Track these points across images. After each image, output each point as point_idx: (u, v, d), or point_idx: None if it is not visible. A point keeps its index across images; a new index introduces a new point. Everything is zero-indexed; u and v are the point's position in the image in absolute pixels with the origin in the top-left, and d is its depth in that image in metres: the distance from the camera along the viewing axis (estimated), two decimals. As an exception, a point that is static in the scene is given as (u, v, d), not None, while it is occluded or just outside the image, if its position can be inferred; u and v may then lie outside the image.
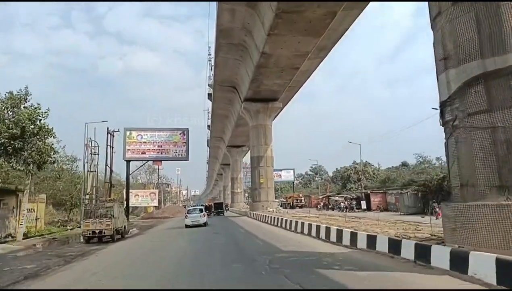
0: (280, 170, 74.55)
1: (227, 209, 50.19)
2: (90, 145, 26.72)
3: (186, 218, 22.84)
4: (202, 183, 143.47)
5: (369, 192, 39.30)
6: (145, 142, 39.95)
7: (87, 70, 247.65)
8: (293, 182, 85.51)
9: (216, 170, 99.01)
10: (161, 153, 40.40)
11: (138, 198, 45.39)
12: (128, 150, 38.91)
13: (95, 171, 27.08)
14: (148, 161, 42.63)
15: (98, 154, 27.49)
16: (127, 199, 37.02)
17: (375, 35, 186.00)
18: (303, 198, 56.44)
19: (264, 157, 33.98)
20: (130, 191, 40.80)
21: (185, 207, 54.94)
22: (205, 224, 22.10)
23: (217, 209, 41.28)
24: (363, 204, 35.73)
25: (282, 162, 74.86)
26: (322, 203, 47.05)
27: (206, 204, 53.21)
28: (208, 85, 46.70)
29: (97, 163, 27.54)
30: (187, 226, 21.65)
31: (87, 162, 26.58)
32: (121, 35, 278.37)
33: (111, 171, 31.44)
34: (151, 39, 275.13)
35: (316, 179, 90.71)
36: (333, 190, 64.07)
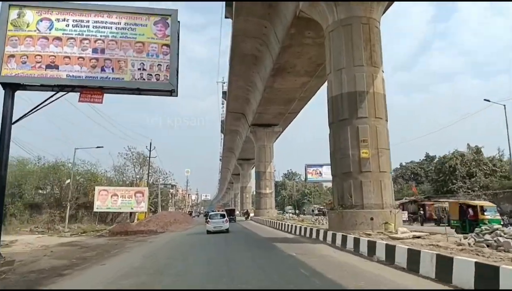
0: (321, 166, 53.41)
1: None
2: None
3: (207, 223, 22.96)
4: (213, 188, 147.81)
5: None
6: (58, 38, 12.30)
7: None
8: None
9: (228, 179, 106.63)
10: (105, 68, 12.33)
11: (116, 200, 32.79)
12: (12, 56, 11.86)
13: None
14: (64, 88, 12.09)
15: None
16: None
17: (391, 42, 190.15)
18: None
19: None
20: (103, 189, 33.30)
21: (191, 214, 60.21)
22: (227, 230, 22.01)
23: (229, 215, 47.17)
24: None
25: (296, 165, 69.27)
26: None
27: (217, 209, 57.84)
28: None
29: None
30: (208, 232, 21.56)
31: None
32: None
33: None
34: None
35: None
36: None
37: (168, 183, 50.00)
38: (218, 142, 69.50)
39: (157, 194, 65.48)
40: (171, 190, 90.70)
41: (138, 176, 45.75)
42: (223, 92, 49.83)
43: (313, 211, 58.15)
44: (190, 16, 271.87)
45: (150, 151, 41.30)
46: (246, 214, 61.47)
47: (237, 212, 78.29)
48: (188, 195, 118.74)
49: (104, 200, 35.89)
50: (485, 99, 26.07)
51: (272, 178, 41.85)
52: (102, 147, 25.45)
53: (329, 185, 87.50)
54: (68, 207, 24.23)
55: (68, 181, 25.04)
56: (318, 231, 15.72)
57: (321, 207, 63.62)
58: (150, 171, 46.59)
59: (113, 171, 44.38)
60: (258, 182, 41.65)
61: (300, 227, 19.24)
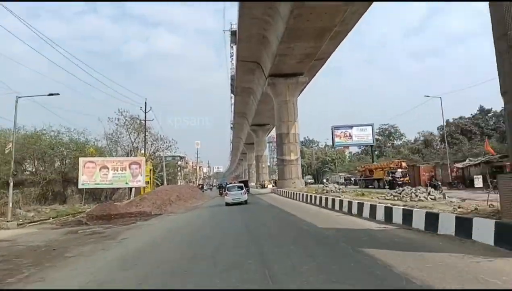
0: (350, 127, 46.99)
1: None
2: None
3: (226, 195, 22.50)
4: (225, 161, 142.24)
5: None
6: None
7: (111, 54, 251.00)
8: (372, 146, 51.45)
9: (240, 149, 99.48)
10: None
11: (106, 173, 27.17)
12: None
13: None
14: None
15: None
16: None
17: (401, 5, 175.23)
18: (405, 170, 31.35)
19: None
20: (89, 160, 28.01)
21: (201, 188, 53.66)
22: (246, 202, 21.75)
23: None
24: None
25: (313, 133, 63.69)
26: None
27: (230, 181, 52.34)
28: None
29: None
30: (227, 204, 21.28)
31: None
32: (146, 17, 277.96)
33: None
34: (173, 21, 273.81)
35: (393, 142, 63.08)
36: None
37: (174, 153, 42.27)
38: (228, 116, 61.57)
39: (163, 167, 59.06)
40: (180, 162, 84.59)
41: (135, 145, 38.21)
42: (231, 32, 40.54)
43: (341, 181, 50.51)
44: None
45: (145, 112, 33.51)
46: (261, 185, 54.69)
47: (252, 184, 72.00)
48: (200, 167, 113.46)
49: (91, 174, 29.19)
50: None
51: (297, 140, 33.74)
52: (58, 94, 17.39)
53: (354, 150, 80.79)
54: (11, 184, 16.67)
55: (9, 146, 17.38)
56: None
57: (349, 175, 56.35)
58: (150, 139, 39.00)
59: (105, 139, 36.93)
60: (280, 146, 33.69)
61: (391, 209, 10.19)
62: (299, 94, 34.64)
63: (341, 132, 47.27)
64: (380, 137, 65.99)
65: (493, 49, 7.52)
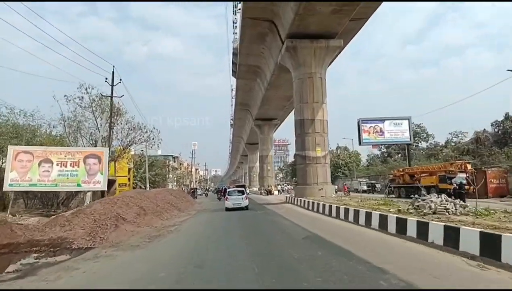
0: (381, 121, 36.43)
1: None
2: None
3: (226, 200, 20.99)
4: (224, 164, 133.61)
5: None
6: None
7: (112, 56, 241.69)
8: (409, 144, 40.51)
9: (240, 151, 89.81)
10: None
11: (49, 169, 18.95)
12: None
13: None
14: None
15: None
16: None
17: (400, 17, 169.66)
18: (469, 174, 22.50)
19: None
20: (23, 150, 19.12)
21: (194, 193, 43.87)
22: (246, 208, 20.23)
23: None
24: None
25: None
26: None
27: (229, 186, 43.24)
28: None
29: None
30: (227, 209, 19.83)
31: None
32: (146, 21, 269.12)
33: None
34: (174, 24, 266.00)
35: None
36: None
37: (154, 147, 31.58)
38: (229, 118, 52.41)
39: (149, 166, 48.96)
40: (172, 162, 74.33)
41: (105, 134, 27.83)
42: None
43: (363, 187, 40.90)
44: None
45: (112, 85, 23.53)
46: (267, 191, 45.03)
47: (255, 189, 62.45)
48: (196, 169, 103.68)
49: (25, 170, 20.07)
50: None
51: (326, 130, 23.83)
52: None
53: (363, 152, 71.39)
54: None
55: None
56: None
57: (372, 181, 46.56)
58: (125, 127, 28.68)
59: (62, 125, 26.75)
60: (301, 138, 23.82)
61: None
62: (328, 66, 24.96)
63: (370, 127, 37.22)
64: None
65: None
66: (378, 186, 42.86)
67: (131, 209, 13.93)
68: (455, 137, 54.08)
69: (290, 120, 44.95)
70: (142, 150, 40.97)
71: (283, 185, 61.38)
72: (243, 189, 23.41)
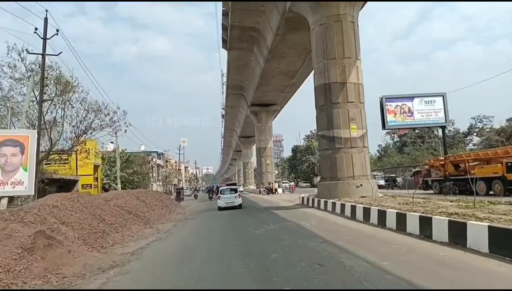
0: (410, 99, 29.29)
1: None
2: None
3: (219, 199, 20.12)
4: (216, 162, 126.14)
5: None
6: None
7: (101, 55, 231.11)
8: (444, 128, 31.93)
9: (233, 146, 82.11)
10: None
11: None
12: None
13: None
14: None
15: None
16: None
17: (389, 12, 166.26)
18: None
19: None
20: None
21: (179, 194, 36.17)
22: (240, 206, 19.52)
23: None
24: None
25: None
26: None
27: (221, 184, 35.95)
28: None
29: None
30: (220, 209, 19.16)
31: None
32: (135, 20, 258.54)
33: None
34: (164, 23, 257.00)
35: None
36: None
37: (115, 133, 23.22)
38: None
39: (125, 162, 41.26)
40: (156, 160, 65.97)
41: (50, 116, 19.32)
42: None
43: (380, 182, 33.54)
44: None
45: (45, 38, 15.49)
46: (268, 189, 37.41)
47: (251, 187, 55.00)
48: (186, 167, 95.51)
49: None
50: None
51: (362, 99, 16.17)
52: None
53: (374, 142, 63.78)
54: None
55: None
56: None
57: (391, 175, 39.40)
58: (81, 106, 20.06)
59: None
60: (325, 111, 16.21)
61: None
62: (361, 8, 17.38)
63: (397, 106, 29.61)
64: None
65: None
66: (399, 180, 35.88)
67: (12, 239, 6.22)
68: (478, 122, 47.53)
69: (284, 111, 38.17)
70: (112, 142, 33.01)
71: (280, 182, 53.91)
72: (236, 187, 23.93)
